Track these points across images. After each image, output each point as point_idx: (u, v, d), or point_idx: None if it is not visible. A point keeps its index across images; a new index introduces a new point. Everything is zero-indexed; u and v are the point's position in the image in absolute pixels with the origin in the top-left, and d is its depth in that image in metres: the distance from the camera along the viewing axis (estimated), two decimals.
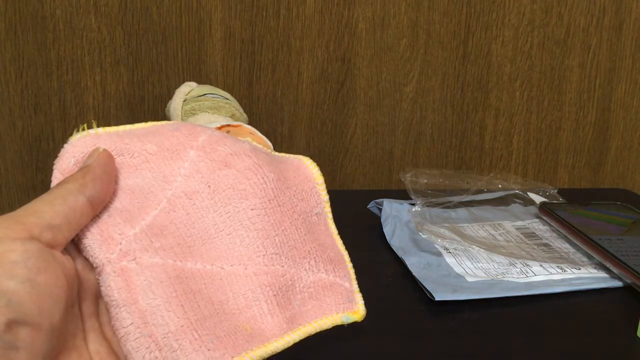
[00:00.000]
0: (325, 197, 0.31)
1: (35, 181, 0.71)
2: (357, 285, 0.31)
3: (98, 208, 0.27)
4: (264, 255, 0.28)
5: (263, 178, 0.29)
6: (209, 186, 0.29)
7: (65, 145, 0.28)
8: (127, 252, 0.26)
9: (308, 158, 0.32)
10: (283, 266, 0.28)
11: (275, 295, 0.28)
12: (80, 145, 0.28)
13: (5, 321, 0.21)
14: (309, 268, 0.29)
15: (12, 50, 0.67)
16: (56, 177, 0.27)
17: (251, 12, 0.69)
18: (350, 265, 0.31)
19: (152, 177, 0.28)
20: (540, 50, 0.73)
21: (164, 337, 0.25)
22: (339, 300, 0.29)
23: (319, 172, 0.31)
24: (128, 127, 0.29)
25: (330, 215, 0.31)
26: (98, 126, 0.29)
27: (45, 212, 0.24)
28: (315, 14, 0.70)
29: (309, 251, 0.29)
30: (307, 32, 0.70)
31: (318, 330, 0.28)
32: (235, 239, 0.28)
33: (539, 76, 0.74)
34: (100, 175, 0.27)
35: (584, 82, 0.75)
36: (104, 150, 0.28)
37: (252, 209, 0.28)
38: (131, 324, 0.25)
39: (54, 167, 0.28)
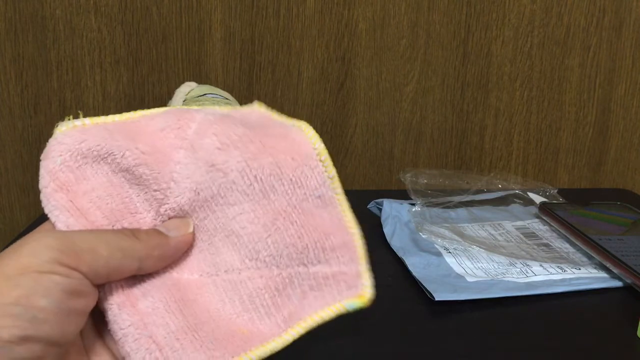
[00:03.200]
0: (331, 172, 0.28)
1: (35, 181, 0.71)
2: (365, 266, 0.28)
3: (138, 274, 0.26)
4: (256, 259, 0.28)
5: (250, 180, 0.27)
6: (197, 193, 0.28)
7: (50, 141, 0.26)
8: None
9: (310, 128, 0.29)
10: (278, 266, 0.28)
11: (271, 297, 0.27)
12: (68, 142, 0.26)
13: (21, 335, 0.21)
14: (308, 262, 0.28)
15: (12, 50, 0.67)
16: (44, 177, 0.26)
17: (251, 12, 0.69)
18: (359, 243, 0.29)
19: (148, 186, 0.27)
20: (540, 50, 0.73)
21: (165, 337, 0.25)
22: (340, 288, 0.28)
23: (322, 146, 0.29)
24: (117, 117, 0.28)
25: (337, 191, 0.29)
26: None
27: (101, 258, 0.24)
28: (315, 14, 0.70)
29: (307, 244, 0.28)
30: (307, 32, 0.70)
31: (319, 322, 0.27)
32: (227, 244, 0.28)
33: (539, 76, 0.74)
34: (168, 257, 0.26)
35: (584, 82, 0.75)
36: (192, 234, 0.27)
37: (240, 214, 0.28)
38: (130, 325, 0.25)
39: (42, 166, 0.26)
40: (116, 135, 0.27)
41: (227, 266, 0.28)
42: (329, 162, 0.29)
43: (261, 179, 0.27)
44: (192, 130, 0.28)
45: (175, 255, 0.27)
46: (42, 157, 0.26)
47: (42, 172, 0.26)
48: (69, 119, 0.27)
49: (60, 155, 0.26)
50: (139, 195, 0.27)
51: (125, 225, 0.27)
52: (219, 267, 0.28)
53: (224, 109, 0.30)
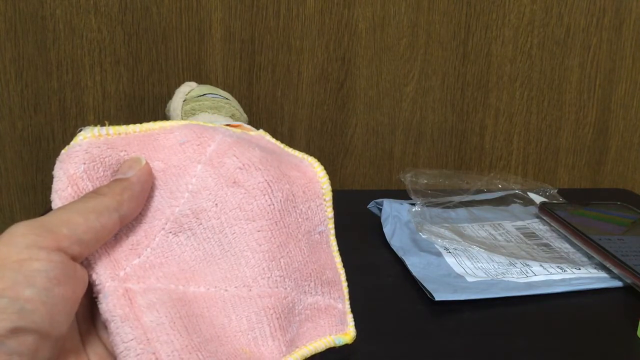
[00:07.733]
0: (330, 213, 0.31)
1: (35, 181, 0.71)
2: (349, 306, 0.31)
3: (124, 224, 0.26)
4: (269, 277, 0.28)
5: (271, 199, 0.28)
6: (216, 204, 0.28)
7: (74, 145, 0.27)
8: (131, 277, 0.26)
9: (322, 168, 0.31)
10: (286, 289, 0.28)
11: (278, 318, 0.28)
12: (94, 152, 0.27)
13: (11, 327, 0.21)
14: (308, 290, 0.29)
15: (12, 50, 0.67)
16: (62, 180, 0.26)
17: (251, 12, 0.69)
18: (345, 284, 0.31)
19: (159, 195, 0.28)
20: (540, 50, 0.73)
21: (169, 355, 0.24)
22: (332, 322, 0.30)
23: (329, 188, 0.31)
24: (137, 127, 0.28)
25: (332, 232, 0.31)
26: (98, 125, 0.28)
27: (78, 225, 0.24)
28: (315, 14, 0.70)
29: (310, 273, 0.29)
30: (307, 32, 0.70)
31: (313, 352, 0.28)
32: (240, 260, 0.28)
33: (539, 76, 0.74)
34: (138, 194, 0.26)
35: (584, 82, 0.75)
36: (147, 164, 0.27)
37: (259, 231, 0.28)
38: (133, 339, 0.24)
39: (59, 167, 0.26)
40: (136, 150, 0.28)
41: (239, 282, 0.28)
42: (330, 203, 0.31)
43: (280, 200, 0.29)
44: (212, 148, 0.29)
45: (144, 190, 0.27)
46: (60, 159, 0.26)
47: (60, 173, 0.26)
48: (95, 126, 0.27)
49: (84, 163, 0.26)
50: (151, 205, 0.28)
51: (135, 230, 0.27)
52: (229, 282, 0.28)
53: (237, 132, 0.31)
